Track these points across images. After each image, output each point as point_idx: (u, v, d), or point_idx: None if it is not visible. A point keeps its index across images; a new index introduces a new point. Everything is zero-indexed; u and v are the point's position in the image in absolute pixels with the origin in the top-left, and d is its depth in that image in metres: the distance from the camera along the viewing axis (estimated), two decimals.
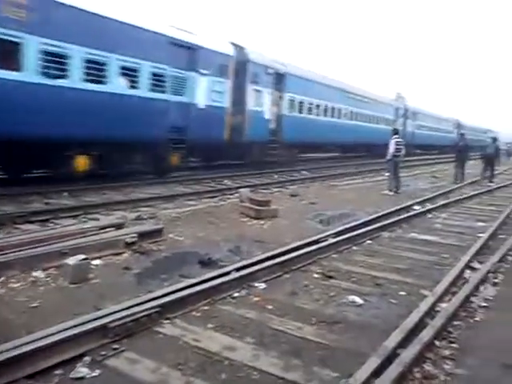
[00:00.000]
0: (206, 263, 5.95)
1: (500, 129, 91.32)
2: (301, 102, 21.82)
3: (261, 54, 19.35)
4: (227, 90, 16.78)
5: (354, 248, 7.21)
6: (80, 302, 4.50)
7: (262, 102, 18.92)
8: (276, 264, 5.70)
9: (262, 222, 8.84)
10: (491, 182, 18.60)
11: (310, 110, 22.76)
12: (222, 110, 16.62)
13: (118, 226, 7.13)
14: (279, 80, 19.95)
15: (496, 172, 19.99)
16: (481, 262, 6.48)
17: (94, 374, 3.24)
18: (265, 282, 5.33)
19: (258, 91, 18.60)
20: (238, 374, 3.35)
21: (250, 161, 19.27)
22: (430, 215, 10.53)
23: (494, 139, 21.08)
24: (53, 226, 7.49)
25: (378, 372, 3.17)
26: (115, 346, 3.62)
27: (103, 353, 3.50)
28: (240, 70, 17.39)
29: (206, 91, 15.56)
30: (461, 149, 19.56)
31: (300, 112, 21.85)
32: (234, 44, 17.55)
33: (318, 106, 23.50)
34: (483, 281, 5.66)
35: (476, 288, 5.35)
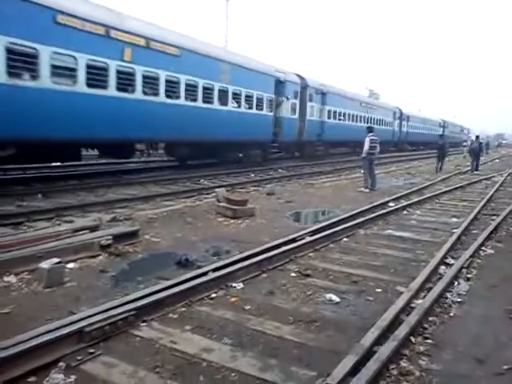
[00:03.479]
0: (183, 264, 5.91)
1: (470, 125, 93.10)
2: None
3: None
4: None
5: (331, 246, 7.26)
6: (54, 307, 4.42)
7: None
8: (253, 263, 5.70)
9: (239, 221, 8.83)
10: (477, 170, 23.08)
11: None
12: None
13: (93, 228, 7.02)
14: None
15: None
16: (455, 258, 6.60)
17: (69, 380, 3.18)
18: (242, 281, 5.32)
19: None
20: (215, 376, 3.34)
21: None
22: (405, 212, 10.67)
23: (477, 137, 26.96)
24: (26, 229, 7.34)
25: (355, 370, 3.20)
26: (91, 351, 3.56)
27: (79, 358, 3.45)
28: None
29: None
30: (440, 146, 23.69)
31: None
32: None
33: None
34: (457, 276, 5.76)
35: (450, 284, 5.44)
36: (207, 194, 12.17)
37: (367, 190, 14.21)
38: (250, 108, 19.45)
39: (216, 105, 17.19)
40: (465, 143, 40.93)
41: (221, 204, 9.56)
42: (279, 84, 21.31)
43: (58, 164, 15.68)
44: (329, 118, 27.18)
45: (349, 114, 30.33)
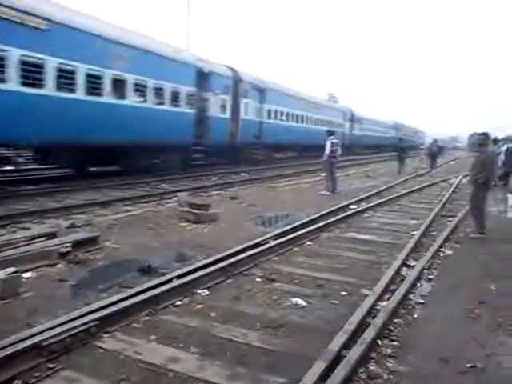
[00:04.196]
0: (146, 271, 5.76)
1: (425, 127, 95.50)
2: None
3: None
4: None
5: (295, 249, 7.26)
6: (10, 320, 4.21)
7: None
8: (218, 269, 5.63)
9: (202, 226, 8.72)
10: (432, 170, 25.36)
11: None
12: None
13: (51, 236, 6.77)
14: None
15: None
16: (416, 259, 6.73)
17: None
18: (207, 288, 5.25)
19: None
20: None
21: None
22: (366, 214, 10.83)
23: (435, 140, 29.32)
24: None
25: (325, 375, 3.18)
26: (50, 366, 3.40)
27: (37, 374, 3.28)
28: None
29: None
30: (400, 149, 25.31)
31: None
32: None
33: None
34: (419, 278, 5.87)
35: (413, 285, 5.53)
36: (169, 198, 11.98)
37: (328, 193, 14.35)
38: (162, 103, 16.19)
39: (108, 98, 13.71)
40: (422, 146, 42.30)
41: (183, 208, 9.43)
42: (202, 76, 17.99)
43: (13, 168, 15.12)
44: (269, 117, 24.38)
45: (293, 114, 27.63)
